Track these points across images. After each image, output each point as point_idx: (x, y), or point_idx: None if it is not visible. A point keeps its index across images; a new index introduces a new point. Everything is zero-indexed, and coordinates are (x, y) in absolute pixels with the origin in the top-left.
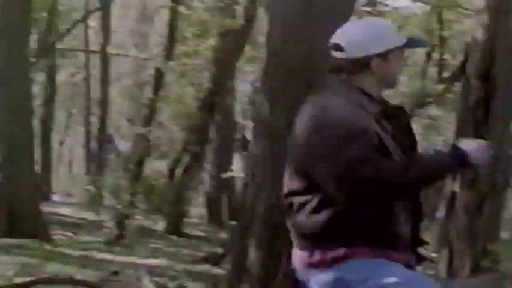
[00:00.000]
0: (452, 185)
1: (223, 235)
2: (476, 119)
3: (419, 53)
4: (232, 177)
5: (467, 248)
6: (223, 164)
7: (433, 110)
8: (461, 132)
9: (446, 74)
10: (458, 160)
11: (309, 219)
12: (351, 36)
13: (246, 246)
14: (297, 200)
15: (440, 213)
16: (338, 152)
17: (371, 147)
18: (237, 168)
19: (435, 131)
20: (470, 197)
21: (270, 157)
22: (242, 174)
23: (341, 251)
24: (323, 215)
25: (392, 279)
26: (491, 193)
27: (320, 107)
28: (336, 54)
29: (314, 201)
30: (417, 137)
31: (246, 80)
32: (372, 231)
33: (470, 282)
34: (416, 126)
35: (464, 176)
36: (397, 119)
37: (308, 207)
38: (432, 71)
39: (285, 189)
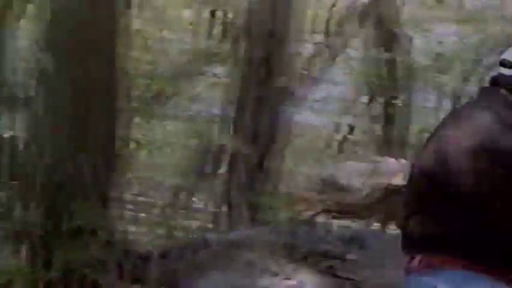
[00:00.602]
0: (235, 141)
1: (3, 195)
2: (259, 78)
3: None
4: (14, 136)
5: (245, 203)
6: (5, 122)
7: (218, 69)
8: (244, 91)
9: (230, 33)
10: None
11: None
12: None
13: (26, 206)
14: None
15: (222, 169)
16: None
17: None
18: (19, 127)
19: (220, 89)
20: (251, 153)
21: (52, 116)
22: (23, 133)
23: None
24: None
25: None
26: (271, 149)
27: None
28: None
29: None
30: None
31: (31, 39)
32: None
33: (249, 234)
34: (201, 84)
35: (246, 133)
36: None
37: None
38: (217, 29)
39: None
